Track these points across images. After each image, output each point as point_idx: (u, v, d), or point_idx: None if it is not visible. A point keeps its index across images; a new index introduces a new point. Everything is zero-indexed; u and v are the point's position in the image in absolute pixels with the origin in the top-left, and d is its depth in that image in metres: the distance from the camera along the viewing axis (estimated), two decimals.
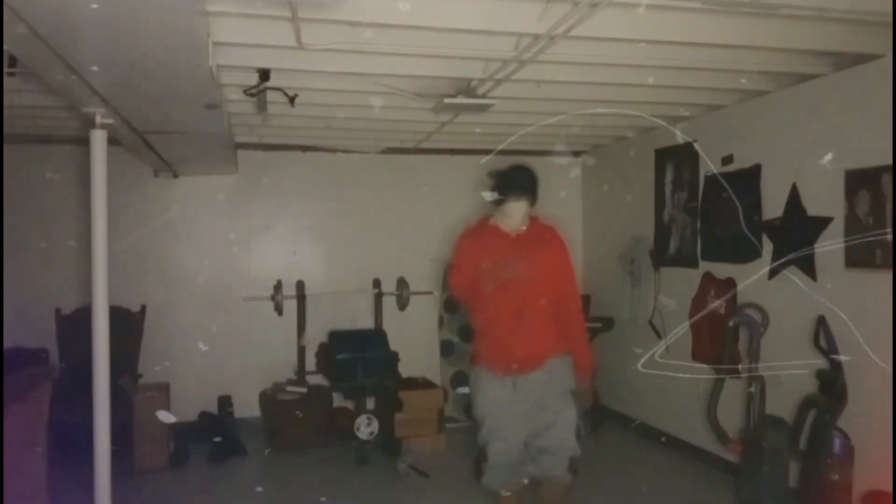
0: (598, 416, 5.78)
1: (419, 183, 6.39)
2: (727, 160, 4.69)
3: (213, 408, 5.83)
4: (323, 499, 4.45)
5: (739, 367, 4.23)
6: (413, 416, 5.45)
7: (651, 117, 5.22)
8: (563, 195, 6.40)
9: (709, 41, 3.33)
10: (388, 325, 5.82)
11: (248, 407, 5.90)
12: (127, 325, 5.40)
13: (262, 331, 5.99)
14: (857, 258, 3.72)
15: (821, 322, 3.74)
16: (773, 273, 4.24)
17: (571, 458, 3.25)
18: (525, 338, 3.19)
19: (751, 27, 3.24)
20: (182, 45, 2.47)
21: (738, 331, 4.28)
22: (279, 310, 5.72)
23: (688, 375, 4.75)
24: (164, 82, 2.96)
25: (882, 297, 3.49)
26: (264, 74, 3.53)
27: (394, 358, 5.44)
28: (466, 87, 4.08)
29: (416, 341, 6.16)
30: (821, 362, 3.74)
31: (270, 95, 3.77)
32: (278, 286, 5.72)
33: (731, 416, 4.32)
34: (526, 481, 3.33)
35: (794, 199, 4.14)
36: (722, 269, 4.78)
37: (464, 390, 3.92)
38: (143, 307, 5.65)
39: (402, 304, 5.91)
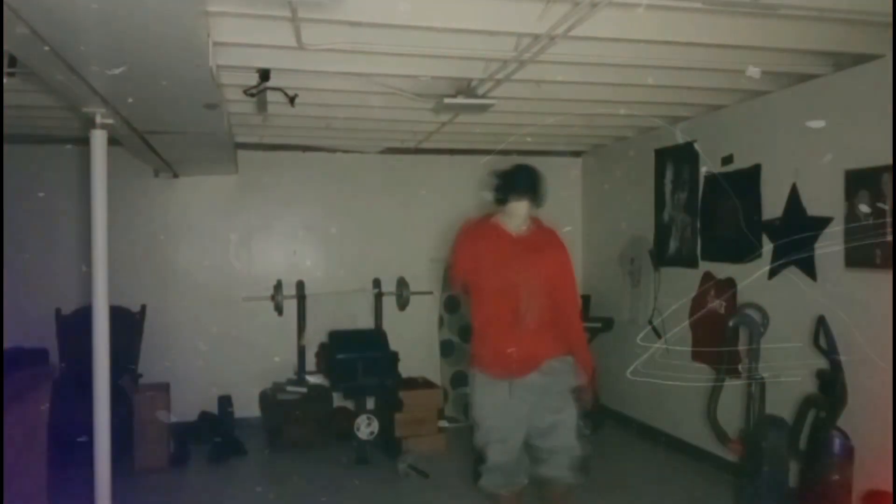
0: (597, 416, 5.77)
1: (419, 183, 6.39)
2: (727, 160, 4.69)
3: (213, 408, 5.83)
4: (323, 499, 4.46)
5: (739, 367, 4.24)
6: (413, 416, 5.46)
7: (651, 117, 5.23)
8: (563, 195, 6.39)
9: (709, 41, 3.33)
10: (388, 325, 5.83)
11: (248, 407, 5.90)
12: (127, 325, 5.40)
13: (262, 331, 5.99)
14: (856, 258, 3.72)
15: (821, 322, 3.73)
16: (773, 273, 4.24)
17: (577, 458, 3.24)
18: (522, 340, 3.18)
19: (751, 27, 3.24)
20: (182, 45, 2.47)
21: (738, 331, 4.28)
22: (279, 310, 5.72)
23: (688, 376, 4.75)
24: (164, 82, 2.96)
25: (882, 297, 3.48)
26: (264, 74, 3.52)
27: (394, 358, 5.44)
28: (466, 87, 4.08)
29: (416, 341, 6.16)
30: (821, 362, 3.74)
31: (270, 95, 3.76)
32: (278, 286, 5.72)
33: (731, 416, 4.32)
34: (525, 482, 3.33)
35: (794, 199, 4.14)
36: (722, 269, 4.77)
37: (464, 390, 3.92)
38: (143, 307, 5.65)
39: (402, 304, 5.91)
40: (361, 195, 6.36)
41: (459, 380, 5.88)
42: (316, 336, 5.76)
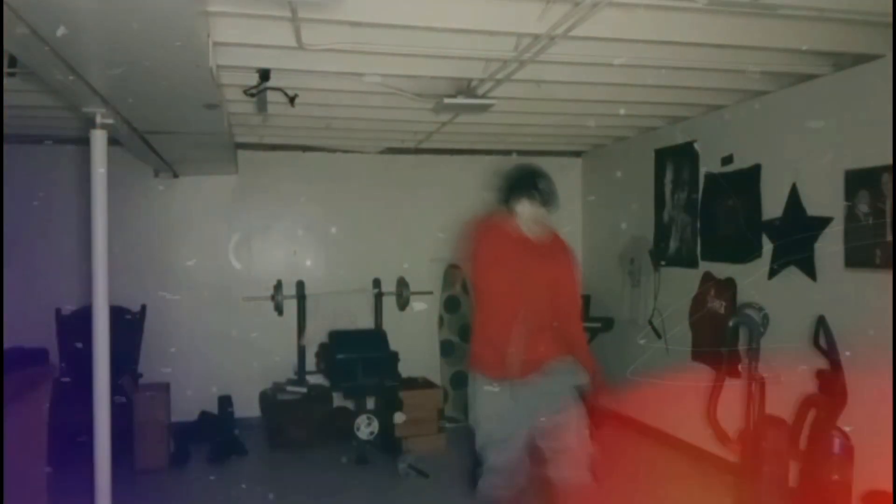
0: (597, 416, 5.76)
1: (419, 183, 6.39)
2: (727, 160, 4.69)
3: (213, 408, 5.83)
4: (323, 499, 4.45)
5: (739, 367, 4.23)
6: (413, 416, 5.45)
7: (652, 117, 5.24)
8: (563, 195, 6.37)
9: (709, 41, 3.34)
10: (388, 325, 5.83)
11: (248, 407, 5.90)
12: (127, 325, 5.40)
13: (262, 331, 5.98)
14: (856, 258, 3.72)
15: (821, 322, 3.73)
16: (772, 273, 4.24)
17: (582, 458, 3.23)
18: (524, 342, 3.16)
19: (751, 27, 3.24)
20: (182, 45, 2.46)
21: (737, 331, 4.28)
22: (279, 310, 5.72)
23: (688, 376, 4.75)
24: (164, 82, 2.96)
25: (882, 297, 3.48)
26: (264, 74, 3.53)
27: (394, 358, 5.44)
28: (466, 87, 4.08)
29: (416, 341, 6.16)
30: (821, 362, 3.74)
31: (270, 95, 3.76)
32: (278, 286, 5.72)
33: (731, 416, 4.32)
34: (524, 484, 3.32)
35: (793, 199, 4.14)
36: (722, 269, 4.77)
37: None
38: (143, 307, 5.65)
39: (402, 304, 5.91)
40: (361, 195, 6.36)
41: (459, 380, 5.88)
42: (316, 336, 5.77)
